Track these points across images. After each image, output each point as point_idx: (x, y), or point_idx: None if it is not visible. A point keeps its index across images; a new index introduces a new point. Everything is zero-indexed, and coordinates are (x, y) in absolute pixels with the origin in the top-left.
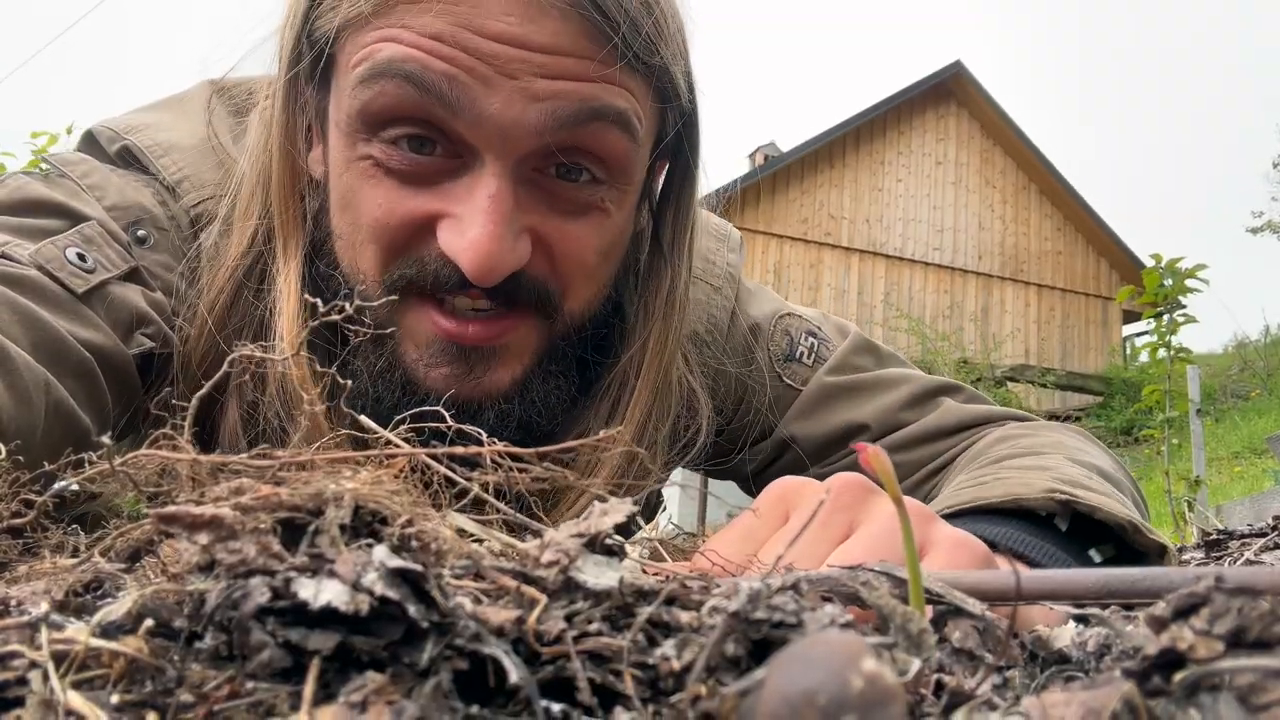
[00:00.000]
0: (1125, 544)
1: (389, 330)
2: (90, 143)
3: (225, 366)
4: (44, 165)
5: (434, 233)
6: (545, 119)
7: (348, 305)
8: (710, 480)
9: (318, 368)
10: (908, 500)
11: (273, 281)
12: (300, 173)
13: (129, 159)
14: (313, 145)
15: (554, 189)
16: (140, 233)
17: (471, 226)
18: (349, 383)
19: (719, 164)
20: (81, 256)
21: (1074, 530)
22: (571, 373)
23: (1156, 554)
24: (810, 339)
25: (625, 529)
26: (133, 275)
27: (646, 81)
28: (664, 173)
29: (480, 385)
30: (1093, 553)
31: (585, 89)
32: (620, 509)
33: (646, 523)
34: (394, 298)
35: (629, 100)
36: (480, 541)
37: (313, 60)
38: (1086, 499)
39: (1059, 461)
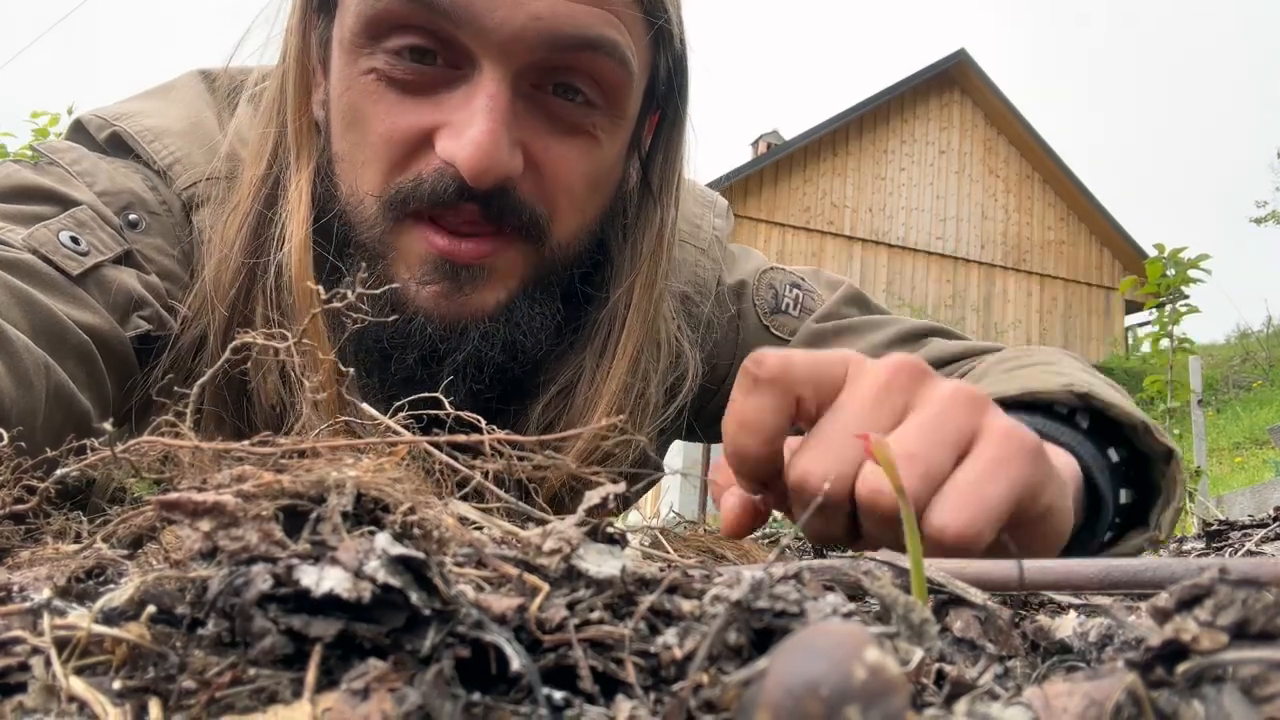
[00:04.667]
0: (1133, 448)
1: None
2: (79, 131)
3: (227, 353)
4: (33, 153)
5: (432, 147)
6: (542, 37)
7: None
8: (711, 469)
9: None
10: (962, 385)
11: (285, 190)
12: (312, 86)
13: (119, 146)
14: (314, 88)
15: (550, 106)
16: (132, 217)
17: (469, 127)
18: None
19: (722, 152)
20: (75, 240)
21: (1091, 429)
22: (557, 303)
23: (1163, 457)
24: (795, 290)
25: (624, 502)
26: (126, 258)
27: (643, 17)
28: (655, 126)
29: (467, 304)
30: (1111, 452)
31: (584, 13)
32: (605, 488)
33: (645, 491)
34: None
35: (624, 35)
36: (482, 529)
37: None
38: (1102, 395)
39: (1070, 368)
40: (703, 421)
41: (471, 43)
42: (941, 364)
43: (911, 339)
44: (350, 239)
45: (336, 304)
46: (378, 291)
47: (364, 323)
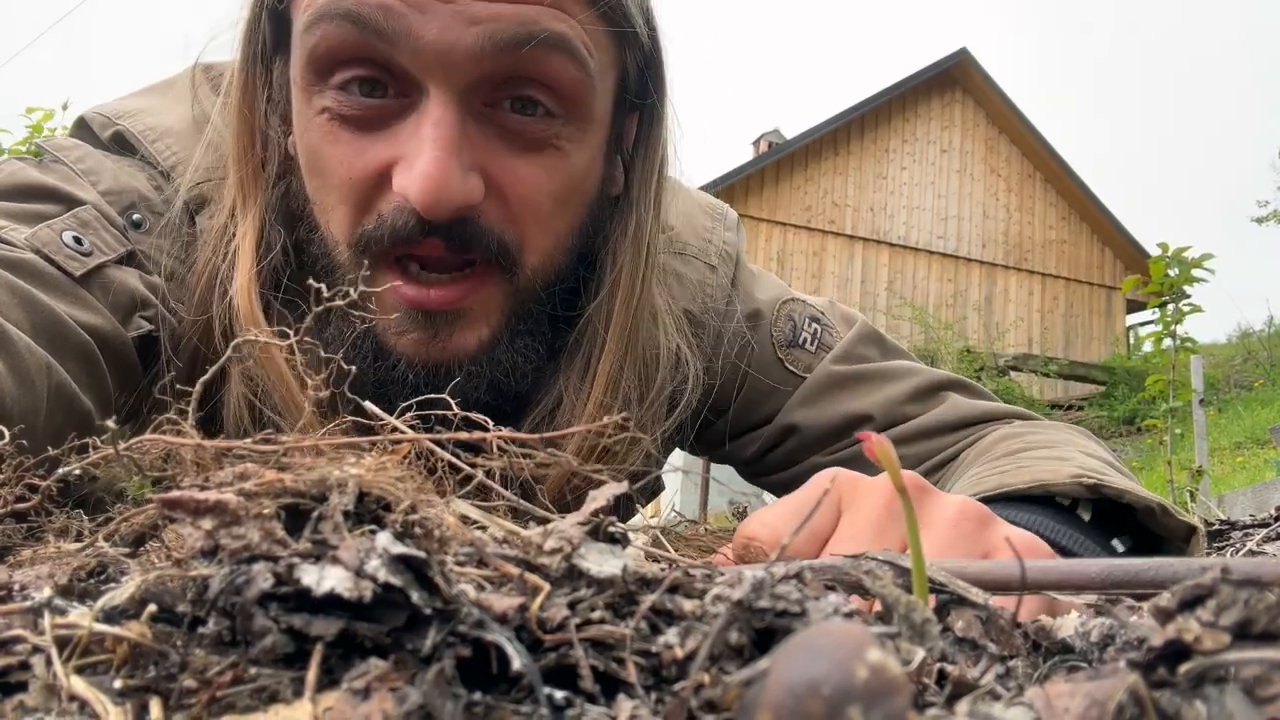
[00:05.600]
0: (1143, 535)
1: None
2: (83, 129)
3: (230, 350)
4: (38, 150)
5: (390, 183)
6: (483, 41)
7: (320, 286)
8: (713, 466)
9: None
10: (966, 502)
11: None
12: (257, 133)
13: (122, 144)
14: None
15: (506, 123)
16: (135, 217)
17: (418, 158)
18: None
19: (723, 151)
20: (78, 240)
21: (1094, 521)
22: (542, 331)
23: (1183, 537)
24: (814, 325)
25: (627, 510)
26: (129, 259)
27: (593, 8)
28: (635, 125)
29: (447, 347)
30: (1115, 542)
31: (524, 11)
32: (607, 491)
33: (647, 503)
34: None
35: (573, 27)
36: (484, 528)
37: (272, 27)
38: (1114, 483)
39: (1075, 453)
40: (706, 442)
41: (411, 63)
42: (958, 426)
43: (929, 393)
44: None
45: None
46: (377, 289)
47: (365, 323)
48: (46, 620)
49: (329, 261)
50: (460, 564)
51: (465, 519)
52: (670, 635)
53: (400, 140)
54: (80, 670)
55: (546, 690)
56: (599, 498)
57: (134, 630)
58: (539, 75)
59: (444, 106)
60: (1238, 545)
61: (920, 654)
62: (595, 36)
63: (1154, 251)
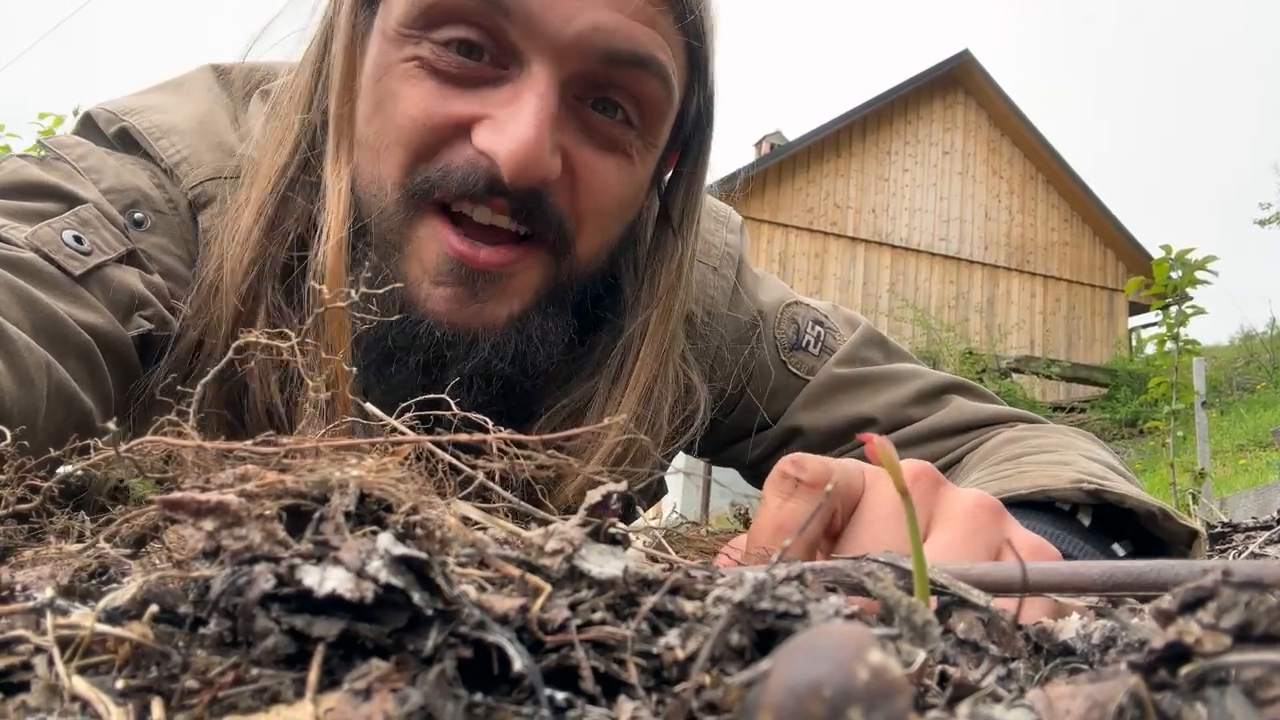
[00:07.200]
0: (1144, 539)
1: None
2: (88, 125)
3: (230, 353)
4: (41, 148)
5: (467, 138)
6: (599, 48)
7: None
8: (714, 469)
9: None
10: (982, 495)
11: (319, 182)
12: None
13: (127, 141)
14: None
15: (589, 119)
16: (137, 215)
17: (516, 124)
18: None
19: (724, 152)
20: (78, 239)
21: (1094, 526)
22: (569, 318)
23: (1185, 541)
24: (817, 328)
25: (628, 513)
26: (130, 258)
27: (688, 54)
28: (675, 163)
29: (480, 314)
30: (1116, 547)
31: (639, 32)
32: (607, 487)
33: (649, 507)
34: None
35: (673, 63)
36: (485, 529)
37: None
38: (1115, 488)
39: (1076, 457)
40: (709, 445)
41: (524, 42)
42: (961, 429)
43: (932, 395)
44: (364, 228)
45: (350, 303)
46: (381, 291)
47: (373, 324)
48: (49, 621)
49: (371, 203)
50: (461, 565)
51: (466, 520)
52: (671, 636)
53: (490, 103)
54: (82, 671)
55: (548, 691)
56: (594, 496)
57: (136, 631)
58: (632, 88)
59: (548, 83)
60: (1240, 547)
61: (921, 656)
62: (681, 75)
63: (1156, 253)
